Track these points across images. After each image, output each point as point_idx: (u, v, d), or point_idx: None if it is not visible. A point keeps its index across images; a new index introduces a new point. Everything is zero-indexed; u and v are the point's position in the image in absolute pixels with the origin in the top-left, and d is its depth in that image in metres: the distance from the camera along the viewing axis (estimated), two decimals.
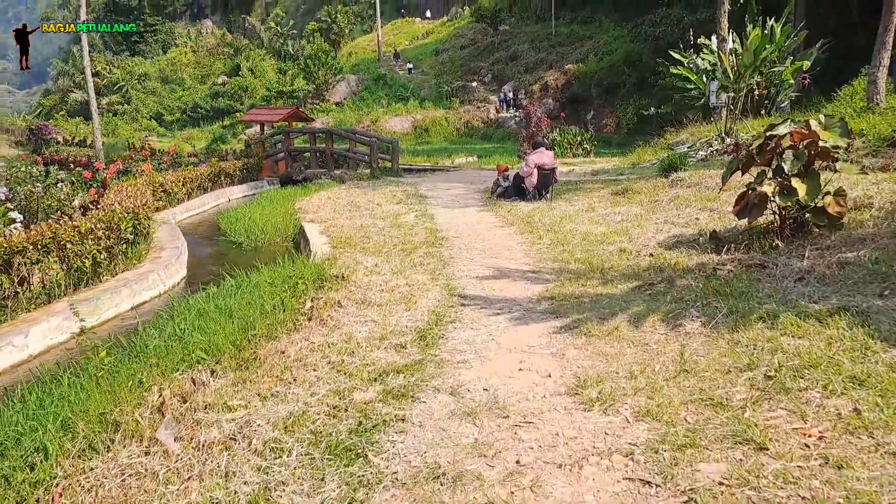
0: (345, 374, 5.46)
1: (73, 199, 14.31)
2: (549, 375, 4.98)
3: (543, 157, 13.98)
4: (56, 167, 22.81)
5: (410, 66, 55.73)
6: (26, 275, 8.28)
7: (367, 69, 56.52)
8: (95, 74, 67.06)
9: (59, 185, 17.29)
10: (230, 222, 15.03)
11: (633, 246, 8.85)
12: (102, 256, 9.56)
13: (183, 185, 18.31)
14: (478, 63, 53.28)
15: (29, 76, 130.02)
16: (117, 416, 4.74)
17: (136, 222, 10.99)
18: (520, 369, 5.15)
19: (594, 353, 5.18)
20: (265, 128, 25.94)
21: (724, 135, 17.58)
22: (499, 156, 26.55)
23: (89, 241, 9.33)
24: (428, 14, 72.97)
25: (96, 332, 8.04)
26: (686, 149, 18.23)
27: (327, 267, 9.05)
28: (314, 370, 5.67)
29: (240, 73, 63.01)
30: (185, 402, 5.11)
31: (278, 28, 69.06)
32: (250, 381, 5.48)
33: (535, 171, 13.91)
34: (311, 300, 7.95)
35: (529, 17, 58.24)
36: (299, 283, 8.13)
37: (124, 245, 10.52)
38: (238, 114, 52.20)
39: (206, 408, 4.99)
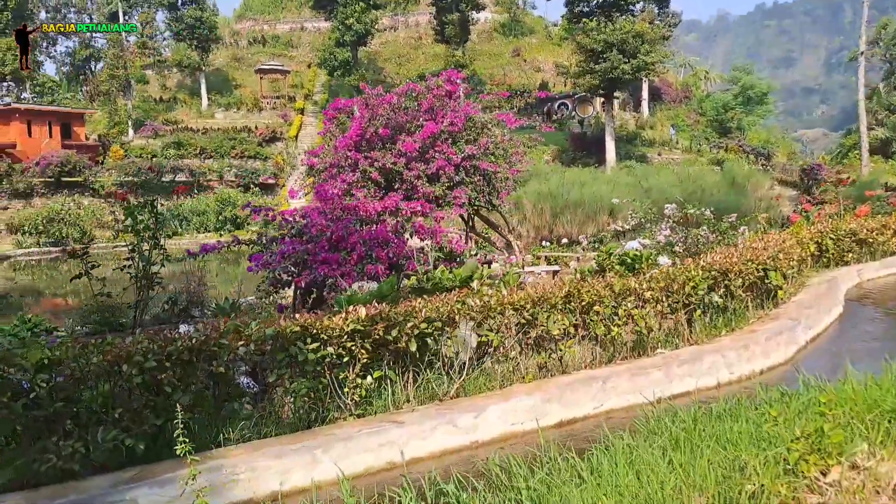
0: None
1: None
2: None
3: None
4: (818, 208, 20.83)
5: None
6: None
7: None
8: None
9: (741, 229, 15.37)
10: None
11: None
12: (646, 325, 7.34)
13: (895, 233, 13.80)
14: None
15: (843, 118, 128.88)
16: None
17: (727, 282, 8.23)
18: None
19: None
20: None
21: None
22: None
23: (628, 304, 7.26)
24: None
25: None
26: None
27: None
28: None
29: None
30: None
31: None
32: None
33: None
34: (854, 468, 4.17)
35: None
36: (830, 427, 4.30)
37: (698, 312, 7.97)
38: None
39: None
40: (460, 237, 15.24)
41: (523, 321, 6.74)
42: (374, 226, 10.00)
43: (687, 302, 7.84)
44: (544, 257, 20.80)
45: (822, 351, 8.39)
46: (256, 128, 44.72)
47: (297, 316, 5.89)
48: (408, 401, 6.22)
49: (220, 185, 40.37)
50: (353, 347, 5.91)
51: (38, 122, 38.80)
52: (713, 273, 8.08)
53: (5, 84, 48.50)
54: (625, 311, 7.24)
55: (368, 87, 16.37)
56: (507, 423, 6.11)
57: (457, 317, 6.41)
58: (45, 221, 31.24)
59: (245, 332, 5.56)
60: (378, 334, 5.98)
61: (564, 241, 24.42)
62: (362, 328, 5.88)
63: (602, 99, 45.61)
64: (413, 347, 6.12)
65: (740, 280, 8.39)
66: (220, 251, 9.91)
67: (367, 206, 10.07)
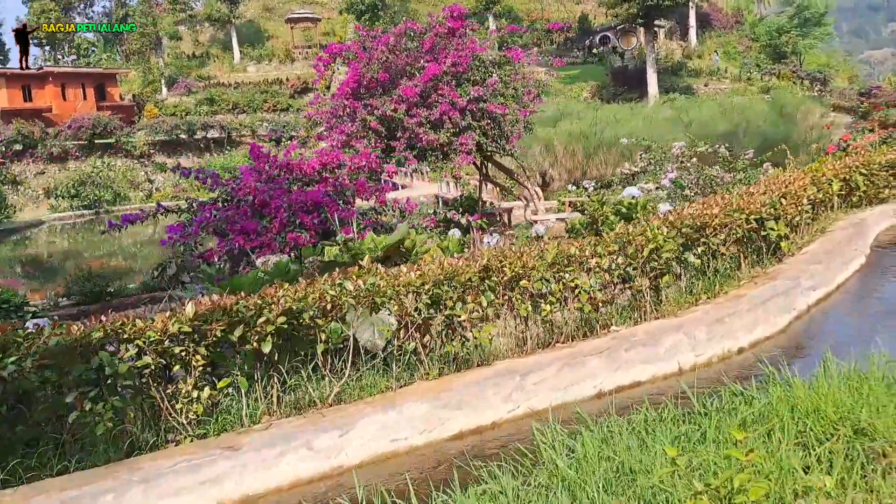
0: None
1: None
2: None
3: None
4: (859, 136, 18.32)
5: None
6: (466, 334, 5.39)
7: None
8: None
9: (764, 166, 13.41)
10: None
11: None
12: (589, 300, 5.77)
13: None
14: None
15: None
16: None
17: (704, 241, 6.54)
18: None
19: None
20: None
21: None
22: None
23: (566, 275, 5.70)
24: None
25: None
26: None
27: None
28: None
29: None
30: None
31: None
32: None
33: None
34: None
35: None
36: (744, 478, 2.80)
37: (666, 277, 6.33)
38: None
39: None
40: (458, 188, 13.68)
41: (424, 305, 5.29)
42: (313, 185, 8.60)
43: (651, 267, 6.21)
44: (568, 203, 19.03)
45: (826, 319, 6.65)
46: (288, 80, 43.36)
47: (104, 318, 4.60)
48: (269, 414, 4.91)
49: (253, 139, 39.42)
50: (184, 353, 4.60)
51: (72, 84, 38.38)
52: (684, 230, 6.39)
53: (45, 48, 48.38)
54: (563, 284, 5.69)
55: (363, 28, 14.80)
56: (387, 438, 4.73)
57: (328, 305, 5.01)
58: (76, 184, 30.93)
59: (24, 342, 4.30)
60: (216, 335, 4.65)
61: (590, 184, 22.48)
62: (190, 329, 4.55)
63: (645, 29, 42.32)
64: (266, 349, 4.76)
65: (723, 235, 6.67)
66: (143, 221, 8.72)
67: (303, 164, 8.63)
